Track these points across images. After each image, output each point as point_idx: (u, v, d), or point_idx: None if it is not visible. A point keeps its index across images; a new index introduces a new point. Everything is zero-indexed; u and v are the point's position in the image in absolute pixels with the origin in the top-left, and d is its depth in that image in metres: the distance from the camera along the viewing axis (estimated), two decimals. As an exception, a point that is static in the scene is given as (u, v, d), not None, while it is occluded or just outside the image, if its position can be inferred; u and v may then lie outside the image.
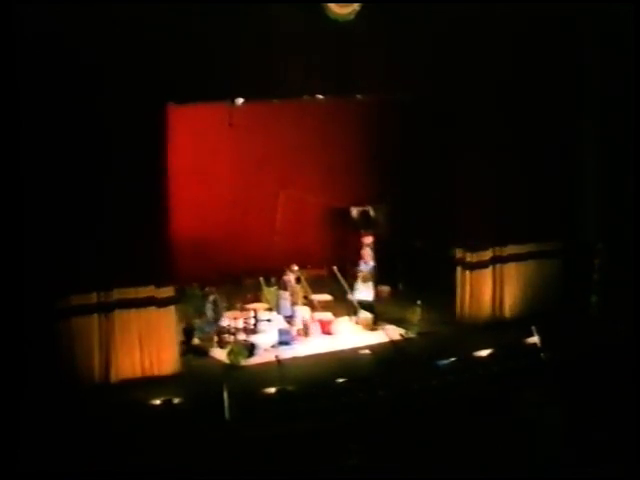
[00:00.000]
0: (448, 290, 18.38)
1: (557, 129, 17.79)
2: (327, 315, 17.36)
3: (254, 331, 16.64)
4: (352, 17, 15.71)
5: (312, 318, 17.04)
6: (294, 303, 17.25)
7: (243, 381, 14.63)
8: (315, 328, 16.90)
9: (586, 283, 17.71)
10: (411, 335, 16.76)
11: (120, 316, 14.84)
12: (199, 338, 16.45)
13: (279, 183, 19.56)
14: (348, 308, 17.66)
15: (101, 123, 14.40)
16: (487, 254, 17.60)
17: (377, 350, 16.27)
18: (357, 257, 17.74)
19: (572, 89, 17.84)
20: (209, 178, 19.25)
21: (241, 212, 19.57)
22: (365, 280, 17.60)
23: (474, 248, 17.51)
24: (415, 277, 19.31)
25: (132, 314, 14.95)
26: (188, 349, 16.28)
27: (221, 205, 19.44)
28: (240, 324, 16.69)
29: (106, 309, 14.74)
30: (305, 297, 17.52)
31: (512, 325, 17.05)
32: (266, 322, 16.71)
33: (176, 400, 13.84)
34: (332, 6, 15.59)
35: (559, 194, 18.03)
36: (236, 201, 19.57)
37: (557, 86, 17.59)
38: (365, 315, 17.39)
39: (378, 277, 18.17)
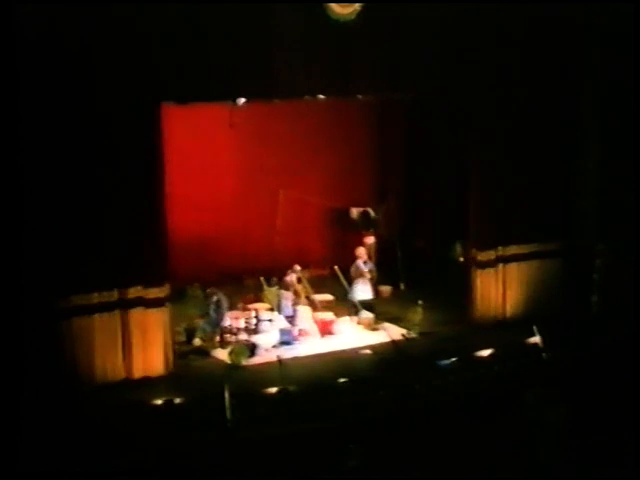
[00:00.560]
0: (451, 290, 18.48)
1: (558, 130, 17.78)
2: (328, 315, 17.36)
3: (255, 331, 16.63)
4: (353, 17, 15.72)
5: (313, 319, 17.06)
6: (295, 303, 17.26)
7: (244, 381, 14.64)
8: (313, 330, 16.93)
9: (587, 283, 17.70)
10: (412, 335, 16.77)
11: (115, 316, 14.88)
12: (200, 338, 16.46)
13: (280, 183, 19.55)
14: (349, 308, 17.67)
15: (96, 122, 14.40)
16: (493, 253, 17.62)
17: (378, 350, 16.27)
18: (355, 257, 17.73)
19: (573, 90, 17.83)
20: (210, 178, 19.27)
21: (242, 212, 19.58)
22: (365, 279, 17.58)
23: (484, 247, 17.52)
24: (416, 277, 19.34)
25: (127, 314, 14.97)
26: (189, 349, 16.30)
27: (222, 205, 19.46)
28: (241, 324, 16.71)
29: (106, 309, 14.76)
30: (306, 297, 17.52)
31: (513, 325, 17.04)
32: (267, 322, 16.70)
33: (177, 400, 13.83)
34: (333, 6, 15.61)
35: (560, 194, 18.03)
36: (237, 201, 19.58)
37: (558, 87, 17.59)
38: (366, 315, 17.40)
39: (379, 277, 18.18)
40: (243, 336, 16.47)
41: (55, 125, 14.10)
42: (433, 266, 19.77)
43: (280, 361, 14.77)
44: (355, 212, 19.94)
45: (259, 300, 17.49)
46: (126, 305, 14.96)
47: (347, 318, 17.53)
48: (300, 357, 15.97)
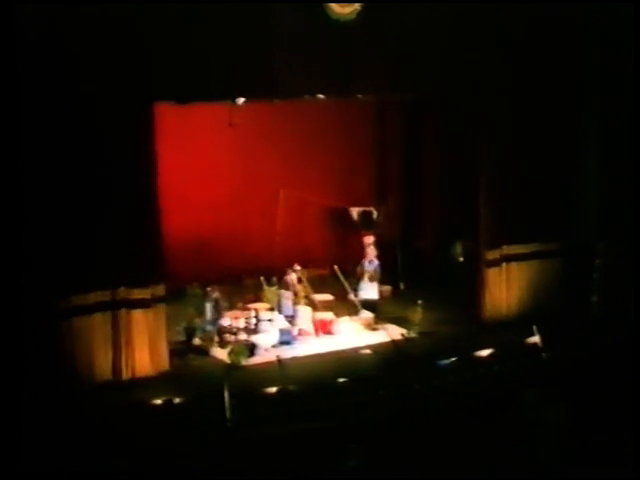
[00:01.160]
0: (451, 289, 18.52)
1: (558, 129, 17.77)
2: (328, 315, 17.36)
3: (255, 331, 16.61)
4: (353, 17, 15.71)
5: (312, 318, 17.06)
6: (296, 303, 17.26)
7: (244, 381, 14.62)
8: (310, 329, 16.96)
9: (587, 283, 17.71)
10: (412, 335, 16.76)
11: (111, 316, 14.89)
12: (200, 338, 16.46)
13: (280, 183, 19.56)
14: (349, 308, 17.67)
15: (93, 122, 14.39)
16: (498, 252, 17.66)
17: (378, 350, 16.28)
18: (361, 256, 17.73)
19: (574, 90, 17.83)
20: (210, 178, 19.25)
21: (242, 212, 19.56)
22: (371, 279, 17.60)
23: (493, 245, 17.56)
24: (416, 277, 19.36)
25: (123, 314, 14.96)
26: (189, 349, 16.30)
27: (222, 205, 19.43)
28: (241, 324, 16.68)
29: (101, 309, 14.77)
30: (306, 297, 17.51)
31: (513, 325, 17.03)
32: (267, 322, 16.69)
33: (177, 400, 13.82)
34: (333, 6, 15.60)
35: (560, 194, 18.03)
36: (237, 201, 19.56)
37: (559, 87, 17.57)
38: (366, 315, 17.40)
39: (380, 277, 18.21)
40: (243, 336, 16.45)
41: (54, 125, 14.09)
42: (433, 266, 19.81)
43: (280, 361, 14.76)
44: (355, 212, 19.94)
45: (259, 300, 17.48)
46: (121, 305, 14.91)
47: (347, 318, 17.53)
48: (300, 357, 15.96)
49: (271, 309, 17.18)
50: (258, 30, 15.14)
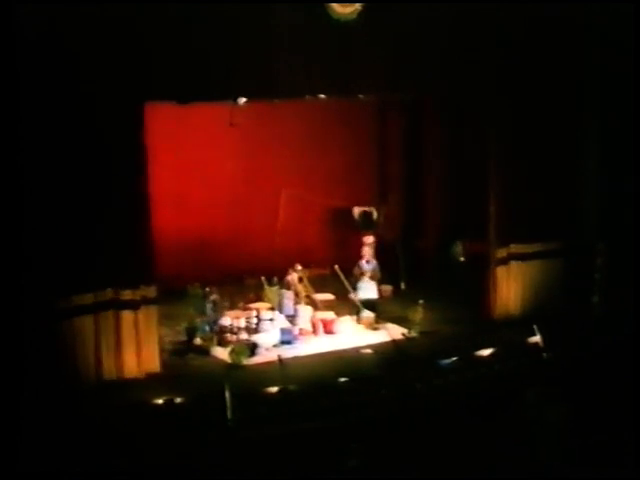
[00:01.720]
0: (452, 289, 18.54)
1: (559, 129, 17.76)
2: (329, 314, 17.37)
3: (256, 330, 16.61)
4: (354, 16, 15.71)
5: (312, 318, 17.07)
6: (297, 302, 17.26)
7: (245, 380, 14.64)
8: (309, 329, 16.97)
9: (588, 283, 17.71)
10: (413, 334, 16.77)
11: (105, 317, 14.91)
12: (201, 337, 16.46)
13: (281, 183, 19.57)
14: (350, 307, 17.67)
15: (89, 123, 14.39)
16: (505, 251, 17.73)
17: (379, 349, 16.27)
18: (359, 256, 17.73)
19: (574, 90, 17.82)
20: (211, 178, 19.27)
21: (243, 212, 19.58)
22: (372, 278, 17.60)
23: (503, 243, 17.63)
24: (417, 276, 19.37)
25: (116, 314, 14.99)
26: (190, 348, 16.31)
27: (223, 205, 19.45)
28: (242, 323, 16.68)
29: (93, 310, 14.77)
30: (307, 296, 17.52)
31: (514, 324, 17.03)
32: (268, 321, 16.69)
33: (178, 399, 13.82)
34: (334, 5, 15.59)
35: (561, 194, 18.02)
36: (238, 201, 19.57)
37: (559, 87, 17.56)
38: (367, 314, 17.41)
39: (380, 277, 18.20)
40: (244, 335, 16.46)
41: (53, 125, 14.09)
42: (434, 266, 19.81)
43: (281, 360, 14.79)
44: (356, 212, 19.94)
45: (260, 299, 17.48)
46: (111, 306, 14.89)
47: (348, 317, 17.53)
48: (301, 356, 15.97)
49: (272, 309, 17.18)
50: (259, 30, 15.13)
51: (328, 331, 17.07)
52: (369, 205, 19.96)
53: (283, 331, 16.62)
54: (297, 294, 17.37)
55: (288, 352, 15.88)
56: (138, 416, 13.36)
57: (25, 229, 13.88)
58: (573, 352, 15.75)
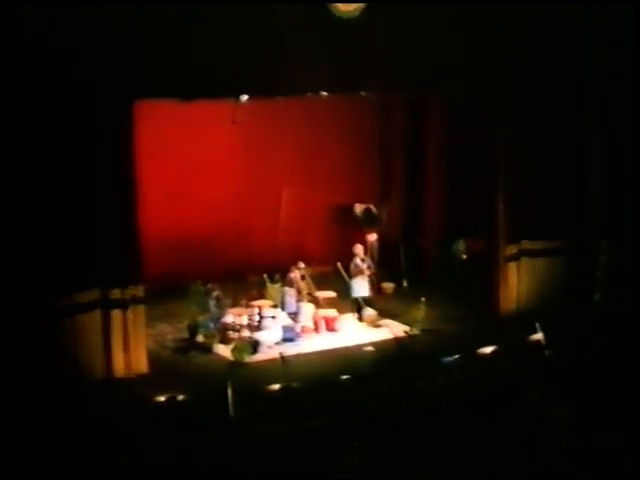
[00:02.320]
0: (454, 287, 18.55)
1: (561, 129, 17.77)
2: (331, 312, 17.36)
3: (258, 328, 16.63)
4: (357, 14, 15.69)
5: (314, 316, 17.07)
6: (299, 300, 17.26)
7: (247, 378, 14.64)
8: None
9: (590, 281, 17.72)
10: (415, 332, 16.75)
11: (95, 316, 14.89)
12: (203, 335, 16.46)
13: (283, 180, 19.57)
14: (352, 305, 17.67)
15: (86, 122, 14.40)
16: (515, 248, 17.79)
17: (381, 347, 16.27)
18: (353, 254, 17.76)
19: (576, 91, 17.81)
20: (214, 176, 19.26)
21: (246, 209, 19.58)
22: (366, 276, 17.60)
23: (512, 240, 17.69)
24: (419, 274, 19.37)
25: (106, 313, 14.97)
26: (192, 346, 16.32)
27: (226, 202, 19.44)
28: (244, 321, 16.71)
29: (84, 309, 14.75)
30: (310, 294, 17.52)
31: (516, 322, 17.03)
32: (270, 319, 16.69)
33: (180, 397, 13.81)
34: (338, 4, 15.58)
35: (564, 192, 18.03)
36: (241, 198, 19.57)
37: (561, 88, 17.56)
38: (369, 312, 17.40)
39: (382, 274, 18.21)
40: (246, 333, 16.46)
41: (53, 126, 14.09)
42: (436, 263, 19.81)
43: (283, 358, 14.78)
44: (359, 209, 19.92)
45: (262, 297, 17.49)
46: (98, 305, 14.88)
47: (350, 315, 17.54)
48: (303, 354, 15.98)
49: (274, 306, 17.18)
50: (261, 27, 15.13)
51: (330, 329, 17.09)
52: (371, 202, 19.93)
53: (285, 329, 16.63)
54: (299, 292, 17.36)
55: (290, 350, 15.89)
56: (140, 414, 13.35)
57: (18, 227, 13.85)
58: (575, 350, 15.74)
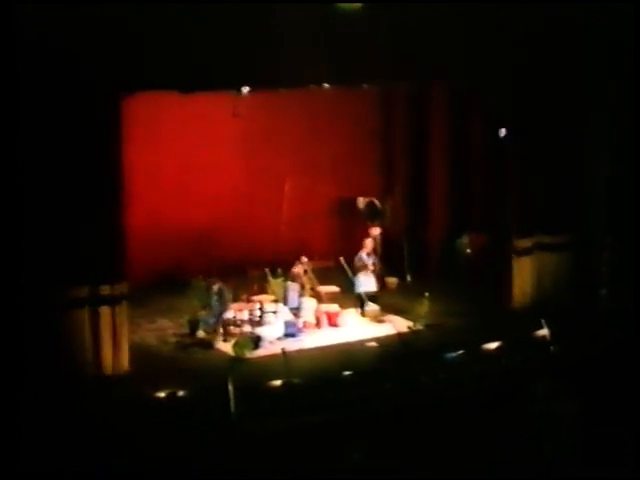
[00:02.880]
0: (458, 281, 18.56)
1: (567, 126, 17.70)
2: (334, 307, 17.27)
3: (260, 323, 16.56)
4: (359, 6, 15.58)
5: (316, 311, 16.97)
6: (301, 295, 17.16)
7: (248, 374, 14.53)
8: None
9: (595, 276, 17.68)
10: (418, 327, 16.66)
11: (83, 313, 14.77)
12: (204, 330, 16.38)
13: (285, 174, 19.47)
14: (355, 300, 17.57)
15: (83, 123, 14.29)
16: (529, 241, 17.80)
17: (384, 342, 16.20)
18: (361, 248, 17.65)
19: (582, 88, 17.73)
20: (215, 169, 19.19)
21: (247, 203, 19.51)
22: (371, 272, 17.50)
23: (523, 234, 17.73)
24: (423, 268, 19.30)
25: (92, 311, 14.83)
26: (193, 341, 16.21)
27: (227, 197, 19.38)
28: (245, 316, 16.62)
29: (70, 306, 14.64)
30: (312, 289, 17.42)
31: (521, 317, 16.96)
32: (272, 314, 16.61)
33: (181, 393, 13.73)
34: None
35: (569, 188, 17.96)
36: (242, 192, 19.50)
37: (567, 86, 17.50)
38: (372, 307, 17.31)
39: (385, 269, 18.12)
40: (247, 328, 16.39)
41: (53, 126, 14.00)
42: (440, 258, 19.75)
43: (284, 353, 14.68)
44: (362, 203, 19.80)
45: (263, 292, 17.39)
46: (84, 303, 14.74)
47: (352, 310, 17.44)
48: (305, 349, 15.90)
49: (275, 301, 17.08)
50: (262, 19, 15.04)
51: (332, 324, 17.02)
52: (374, 196, 19.82)
53: (287, 324, 16.54)
54: (302, 287, 17.26)
55: (292, 345, 15.80)
56: (142, 409, 13.28)
57: (13, 224, 13.76)
58: (580, 345, 15.67)
